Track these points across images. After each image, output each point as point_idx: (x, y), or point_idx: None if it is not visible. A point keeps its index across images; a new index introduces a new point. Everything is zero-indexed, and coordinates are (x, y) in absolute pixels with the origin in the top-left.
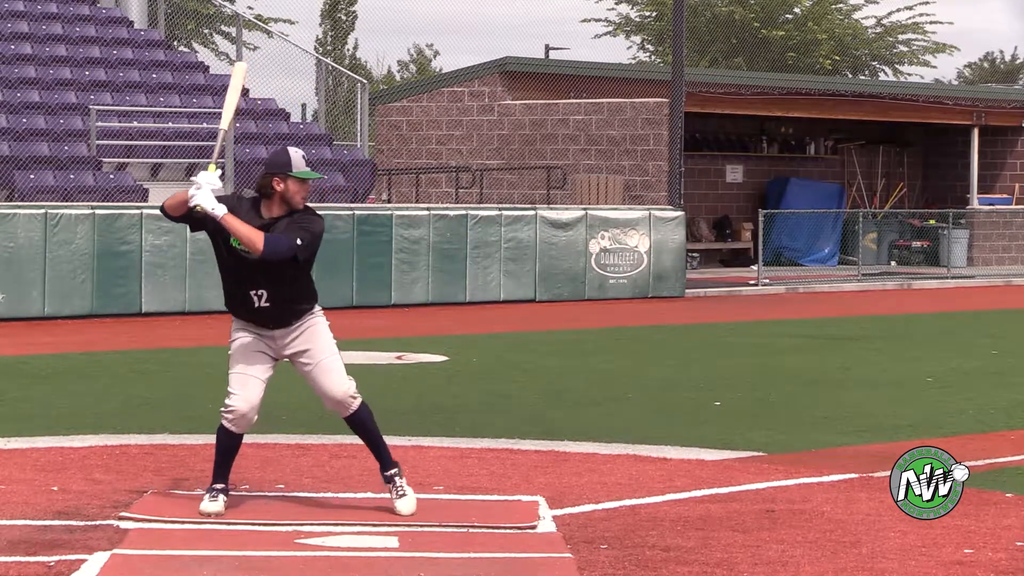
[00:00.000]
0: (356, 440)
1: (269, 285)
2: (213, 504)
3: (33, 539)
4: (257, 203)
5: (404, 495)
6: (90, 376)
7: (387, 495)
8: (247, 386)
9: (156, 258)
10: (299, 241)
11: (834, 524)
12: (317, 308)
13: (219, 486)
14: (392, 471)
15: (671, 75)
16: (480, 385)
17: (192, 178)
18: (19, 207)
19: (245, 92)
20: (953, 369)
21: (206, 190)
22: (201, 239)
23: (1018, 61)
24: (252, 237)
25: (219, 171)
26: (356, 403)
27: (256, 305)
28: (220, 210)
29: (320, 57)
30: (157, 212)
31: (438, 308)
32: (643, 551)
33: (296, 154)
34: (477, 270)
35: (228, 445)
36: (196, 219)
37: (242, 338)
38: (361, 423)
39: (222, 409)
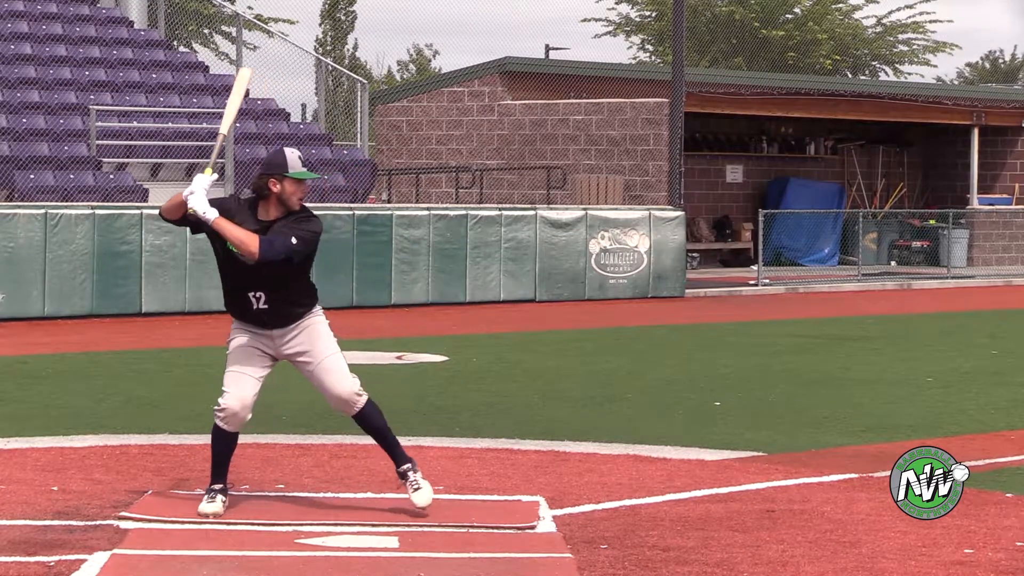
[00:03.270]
0: (356, 440)
1: (267, 287)
2: (211, 505)
3: (33, 539)
4: (255, 204)
5: (419, 488)
6: (90, 376)
7: (388, 495)
8: (240, 384)
9: (156, 258)
10: (294, 241)
11: (834, 524)
12: (317, 308)
13: (217, 486)
14: (406, 466)
15: (671, 75)
16: (480, 385)
17: (194, 177)
18: (19, 207)
19: (246, 94)
20: (953, 369)
21: (200, 194)
22: (201, 238)
23: (1017, 61)
24: (246, 240)
25: (215, 175)
26: (362, 400)
27: (255, 307)
28: (212, 214)
29: (320, 57)
30: (157, 212)
31: (438, 308)
32: (643, 551)
33: (292, 154)
34: (477, 270)
35: (222, 444)
36: (194, 221)
37: (239, 338)
38: (369, 420)
39: (215, 408)
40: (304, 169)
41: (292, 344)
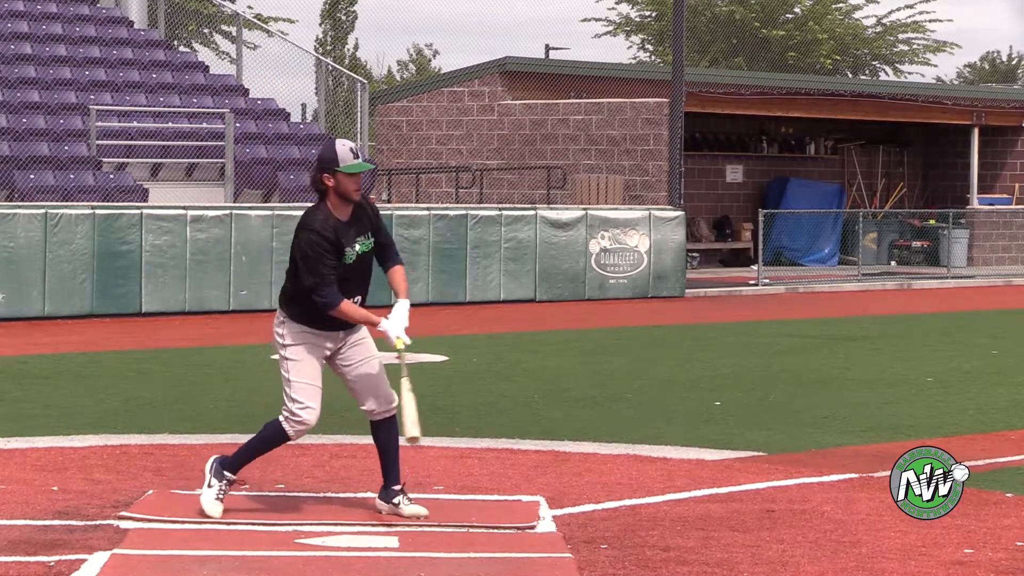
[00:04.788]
0: (356, 440)
1: (363, 289)
2: (215, 506)
3: (33, 539)
4: (324, 202)
5: (412, 503)
6: (90, 376)
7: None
8: (317, 398)
9: (156, 258)
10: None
11: (834, 524)
12: None
13: (233, 477)
14: (400, 487)
15: (671, 75)
16: (480, 385)
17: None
18: (19, 207)
19: (244, 92)
20: (953, 369)
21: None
22: (202, 239)
23: (1014, 60)
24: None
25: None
26: (396, 405)
27: None
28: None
29: (320, 57)
30: (157, 212)
31: (438, 308)
32: (643, 551)
33: (343, 147)
34: (477, 270)
35: (274, 447)
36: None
37: (306, 344)
38: (390, 430)
39: (292, 417)
40: (356, 161)
41: (352, 337)
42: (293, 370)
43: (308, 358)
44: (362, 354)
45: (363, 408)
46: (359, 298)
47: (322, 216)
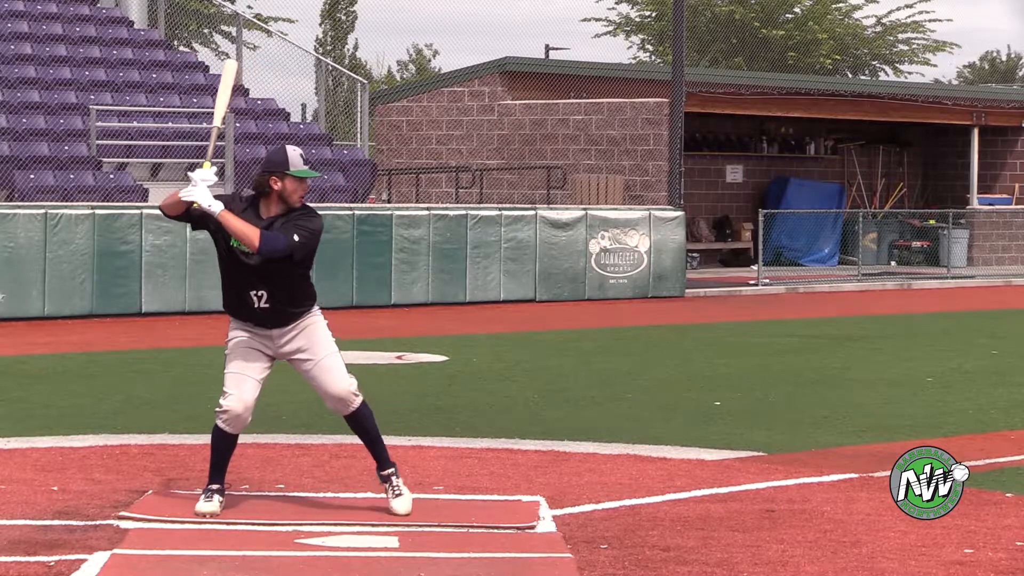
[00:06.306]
0: (356, 440)
1: (269, 286)
2: (208, 504)
3: (33, 539)
4: (256, 202)
5: (400, 495)
6: (90, 376)
7: (385, 495)
8: (242, 386)
9: (156, 258)
10: (296, 238)
11: (834, 524)
12: (316, 308)
13: (214, 486)
14: (389, 471)
15: (671, 75)
16: (480, 385)
17: (189, 174)
18: (19, 207)
19: (244, 92)
20: (953, 369)
21: (201, 187)
22: (202, 238)
23: (1012, 60)
24: (248, 233)
25: (214, 168)
26: (357, 401)
27: (256, 306)
28: (216, 206)
29: (320, 57)
30: (157, 212)
31: (438, 308)
32: (643, 551)
33: (294, 152)
34: (477, 270)
35: (222, 445)
36: (196, 217)
37: (239, 337)
38: (361, 422)
39: (216, 409)
40: (305, 167)
41: (291, 343)
42: (225, 362)
43: (238, 350)
44: (313, 356)
45: (329, 407)
46: (264, 294)
47: (239, 197)
